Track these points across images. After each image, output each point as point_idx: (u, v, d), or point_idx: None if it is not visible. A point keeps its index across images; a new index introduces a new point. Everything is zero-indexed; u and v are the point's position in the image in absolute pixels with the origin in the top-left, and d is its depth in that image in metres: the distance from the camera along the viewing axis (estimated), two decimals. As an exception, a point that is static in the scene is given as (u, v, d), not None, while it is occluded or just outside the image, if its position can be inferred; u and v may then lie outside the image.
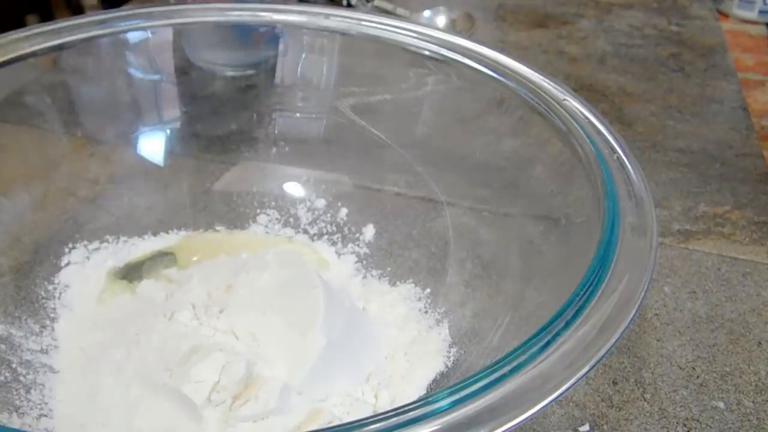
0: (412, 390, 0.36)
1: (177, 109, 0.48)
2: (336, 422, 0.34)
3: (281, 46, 0.48)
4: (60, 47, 0.42)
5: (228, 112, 0.49)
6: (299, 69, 0.48)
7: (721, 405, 0.38)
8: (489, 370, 0.23)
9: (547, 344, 0.24)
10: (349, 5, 0.73)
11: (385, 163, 0.48)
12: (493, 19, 0.83)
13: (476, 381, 0.23)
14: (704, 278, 0.46)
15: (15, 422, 0.32)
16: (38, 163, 0.44)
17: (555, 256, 0.35)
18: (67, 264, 0.43)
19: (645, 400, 0.38)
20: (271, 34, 0.49)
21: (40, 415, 0.34)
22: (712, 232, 0.50)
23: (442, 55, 0.44)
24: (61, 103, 0.45)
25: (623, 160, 0.34)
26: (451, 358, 0.38)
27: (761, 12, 0.84)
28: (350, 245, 0.46)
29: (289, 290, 0.37)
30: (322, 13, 0.46)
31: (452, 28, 0.70)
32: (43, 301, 0.40)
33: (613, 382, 0.39)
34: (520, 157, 0.42)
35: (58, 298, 0.41)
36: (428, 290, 0.42)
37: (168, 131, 0.48)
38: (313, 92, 0.49)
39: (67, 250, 0.43)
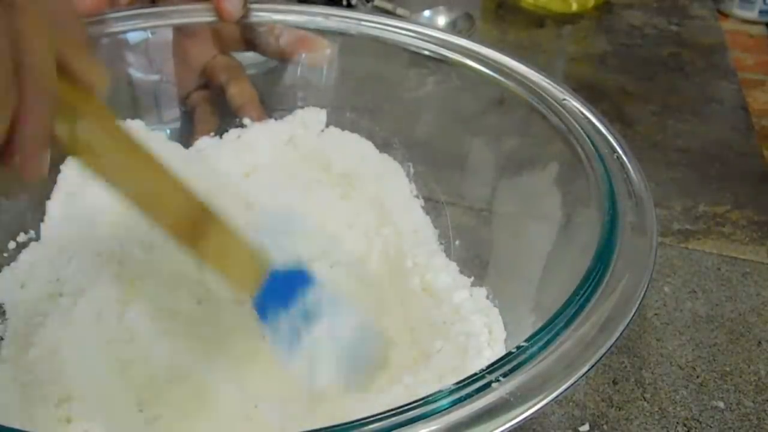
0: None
1: (177, 109, 0.48)
2: None
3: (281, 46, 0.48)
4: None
5: (228, 112, 0.49)
6: (299, 69, 0.48)
7: (721, 405, 0.38)
8: (488, 370, 0.23)
9: (547, 344, 0.24)
10: (349, 5, 0.73)
11: (385, 163, 0.48)
12: (493, 19, 0.83)
13: (476, 381, 0.23)
14: (704, 278, 0.46)
15: None
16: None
17: (555, 255, 0.35)
18: (68, 264, 0.43)
19: (645, 400, 0.38)
20: None
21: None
22: (712, 232, 0.50)
23: (442, 55, 0.44)
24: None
25: (623, 160, 0.34)
26: (451, 358, 0.38)
27: (761, 12, 0.84)
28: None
29: None
30: (322, 13, 0.46)
31: (452, 28, 0.70)
32: (43, 301, 0.40)
33: (613, 382, 0.39)
34: (520, 157, 0.42)
35: (58, 298, 0.41)
36: (428, 290, 0.42)
37: (168, 131, 0.48)
38: (313, 92, 0.49)
39: (67, 250, 0.43)
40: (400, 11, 0.73)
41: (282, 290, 0.34)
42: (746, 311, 0.44)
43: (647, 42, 0.79)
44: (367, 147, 0.47)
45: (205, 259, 0.31)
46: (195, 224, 0.30)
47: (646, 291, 0.27)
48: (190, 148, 0.47)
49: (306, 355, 0.33)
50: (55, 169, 0.44)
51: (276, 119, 0.48)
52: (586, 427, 0.37)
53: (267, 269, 0.33)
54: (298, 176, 0.46)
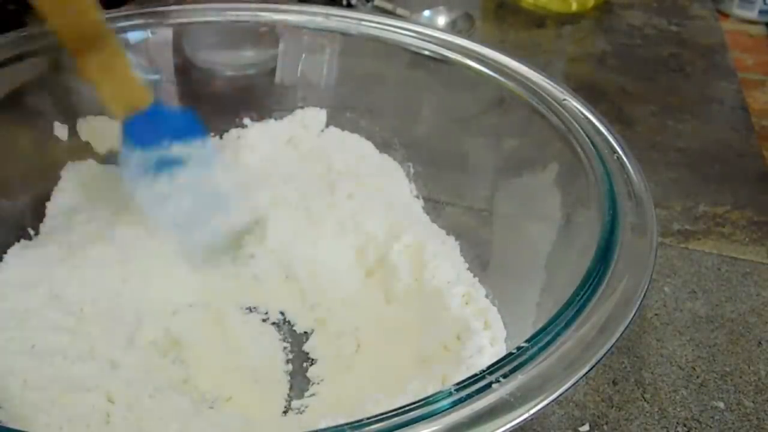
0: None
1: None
2: None
3: (281, 46, 0.48)
4: (60, 47, 0.42)
5: (228, 112, 0.49)
6: (299, 69, 0.48)
7: (721, 405, 0.38)
8: (488, 371, 0.23)
9: (547, 344, 0.24)
10: (349, 5, 0.73)
11: (385, 163, 0.48)
12: (493, 19, 0.83)
13: (476, 381, 0.23)
14: (704, 278, 0.46)
15: None
16: (38, 163, 0.44)
17: (555, 256, 0.35)
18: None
19: (645, 400, 0.38)
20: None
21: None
22: (712, 232, 0.51)
23: (442, 55, 0.44)
24: (61, 103, 0.45)
25: (623, 160, 0.34)
26: (451, 358, 0.38)
27: (761, 12, 0.84)
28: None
29: None
30: (322, 13, 0.47)
31: (452, 28, 0.70)
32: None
33: (613, 382, 0.39)
34: (520, 157, 0.42)
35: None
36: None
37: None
38: (313, 92, 0.49)
39: (67, 250, 0.43)
40: (400, 11, 0.73)
41: (155, 125, 0.37)
42: (746, 311, 0.44)
43: (647, 42, 0.79)
44: (367, 147, 0.47)
45: (87, 72, 0.36)
46: (85, 38, 0.34)
47: (646, 291, 0.27)
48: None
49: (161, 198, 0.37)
50: (55, 172, 0.44)
51: (276, 119, 0.48)
52: (586, 427, 0.37)
53: (147, 102, 0.37)
54: (298, 176, 0.46)
